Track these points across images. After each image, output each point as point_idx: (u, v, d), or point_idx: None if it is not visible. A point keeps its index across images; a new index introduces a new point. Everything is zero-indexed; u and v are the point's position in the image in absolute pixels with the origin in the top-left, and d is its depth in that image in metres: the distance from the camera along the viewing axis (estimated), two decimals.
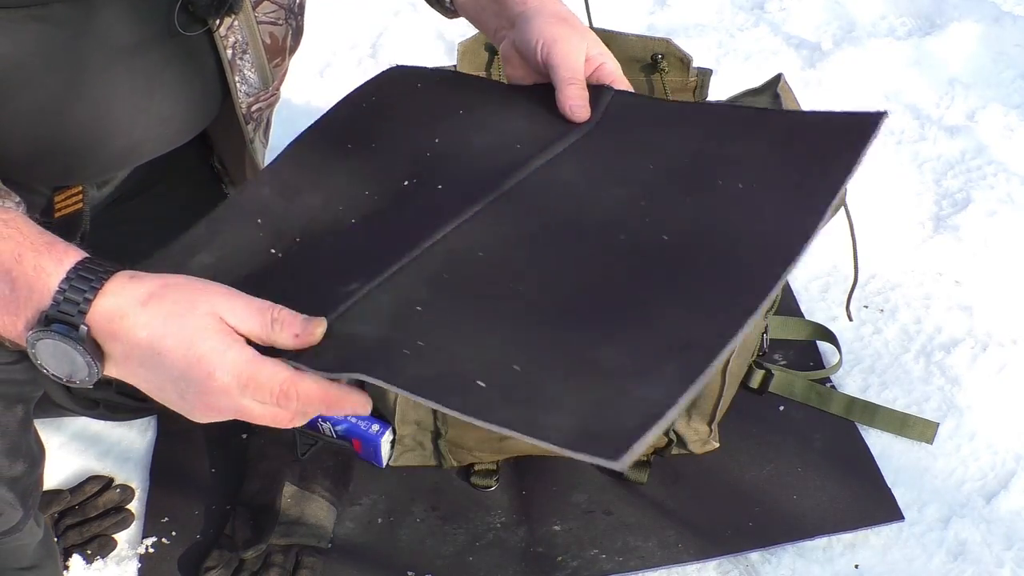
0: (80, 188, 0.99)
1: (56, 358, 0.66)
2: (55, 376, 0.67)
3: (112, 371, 0.67)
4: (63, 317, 0.65)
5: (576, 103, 0.86)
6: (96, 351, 0.66)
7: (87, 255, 0.67)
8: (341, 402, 0.67)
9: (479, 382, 0.62)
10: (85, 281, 0.65)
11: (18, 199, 0.72)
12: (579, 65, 0.87)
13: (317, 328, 0.66)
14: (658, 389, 0.60)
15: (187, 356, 0.64)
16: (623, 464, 0.56)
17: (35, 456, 0.91)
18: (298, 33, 1.06)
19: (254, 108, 1.03)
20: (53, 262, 0.66)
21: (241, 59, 0.99)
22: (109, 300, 0.65)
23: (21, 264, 0.66)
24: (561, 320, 0.69)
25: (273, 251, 0.77)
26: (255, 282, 0.71)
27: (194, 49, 0.95)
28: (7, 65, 0.82)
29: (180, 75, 0.94)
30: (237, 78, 0.99)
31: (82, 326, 0.65)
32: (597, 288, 0.72)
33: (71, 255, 0.67)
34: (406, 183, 0.83)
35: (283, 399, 0.65)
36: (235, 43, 0.97)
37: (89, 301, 0.65)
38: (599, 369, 0.64)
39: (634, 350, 0.65)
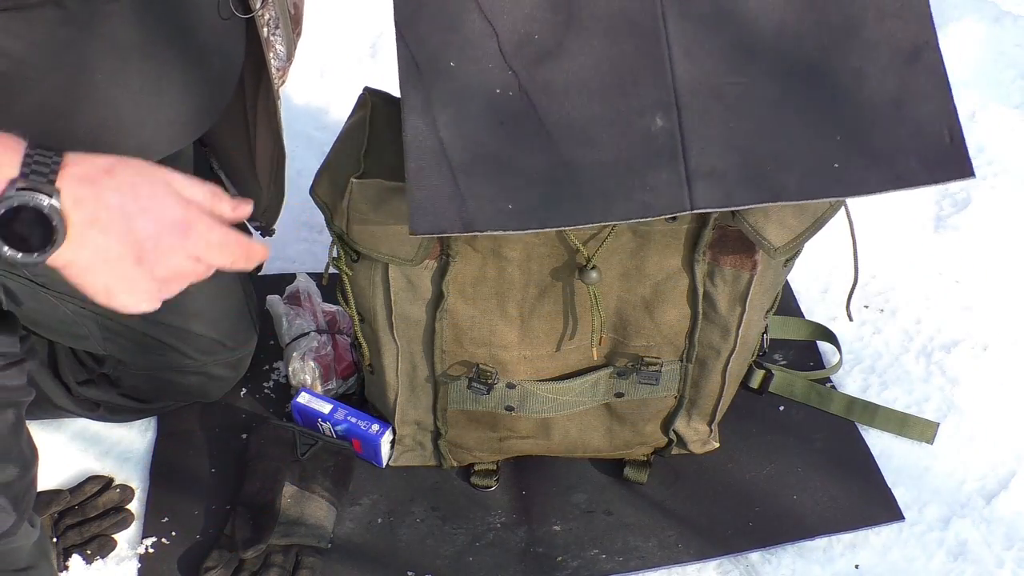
0: None
1: (24, 224, 0.68)
2: (12, 249, 0.69)
3: (67, 245, 0.69)
4: (36, 184, 0.67)
5: None
6: (63, 216, 0.69)
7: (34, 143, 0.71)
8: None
9: (835, 165, 0.83)
10: (46, 154, 0.69)
11: None
12: None
13: (247, 207, 0.79)
14: (932, 105, 0.88)
15: (160, 218, 0.72)
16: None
17: (27, 460, 0.90)
18: None
19: (283, 80, 1.04)
20: (13, 141, 0.69)
21: (273, 35, 0.99)
22: (74, 169, 0.69)
23: None
24: (807, 82, 0.86)
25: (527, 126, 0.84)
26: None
27: (205, 45, 0.95)
28: (16, 64, 0.81)
29: (188, 73, 0.94)
30: (271, 54, 0.99)
31: (55, 190, 0.68)
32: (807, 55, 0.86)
33: (20, 139, 0.70)
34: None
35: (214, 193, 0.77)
36: (269, 19, 0.97)
37: (55, 170, 0.68)
38: (879, 112, 0.85)
39: (880, 80, 0.86)
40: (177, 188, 0.74)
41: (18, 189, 0.67)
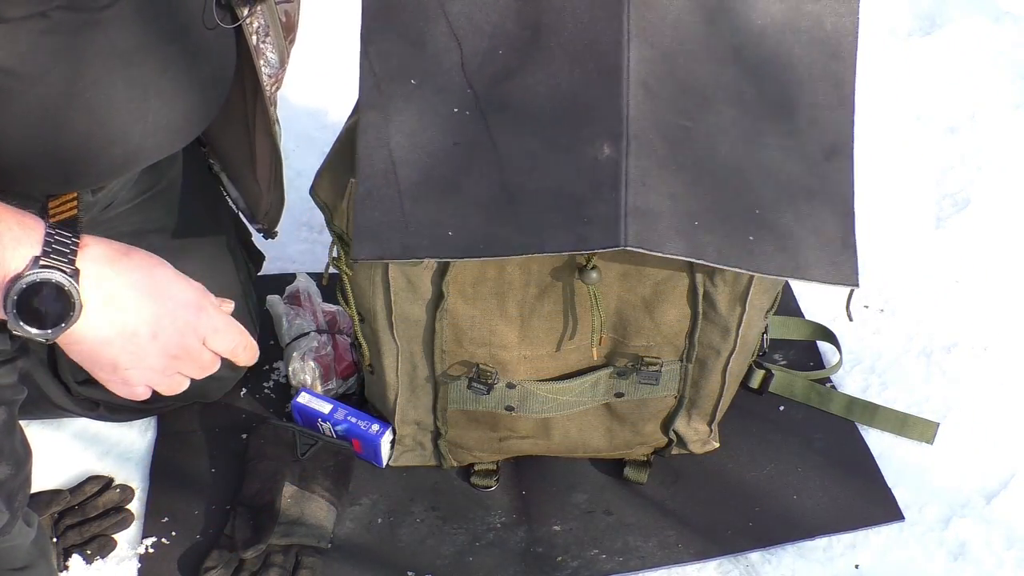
0: (75, 194, 0.99)
1: (44, 300, 0.71)
2: (27, 325, 0.72)
3: (82, 322, 0.73)
4: (56, 263, 0.71)
5: None
6: (80, 296, 0.73)
7: (53, 223, 0.75)
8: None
9: (750, 237, 0.86)
10: (65, 235, 0.72)
11: None
12: None
13: (229, 306, 0.85)
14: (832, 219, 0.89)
15: (179, 297, 0.78)
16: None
17: (20, 458, 0.90)
18: (298, 5, 1.07)
19: (275, 88, 1.04)
20: (32, 220, 0.73)
21: (263, 43, 0.99)
22: (94, 250, 0.73)
23: (2, 221, 0.71)
24: (749, 161, 0.88)
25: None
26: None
27: (193, 51, 0.95)
28: (3, 76, 0.81)
29: (176, 80, 0.94)
30: (261, 61, 1.00)
31: (75, 268, 0.72)
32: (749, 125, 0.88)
33: (39, 218, 0.73)
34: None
35: (240, 351, 0.85)
36: (257, 28, 0.98)
37: (74, 250, 0.72)
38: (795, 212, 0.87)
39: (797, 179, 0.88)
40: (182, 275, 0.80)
41: (40, 266, 0.70)
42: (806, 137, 0.88)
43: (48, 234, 0.72)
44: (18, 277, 0.71)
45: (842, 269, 0.87)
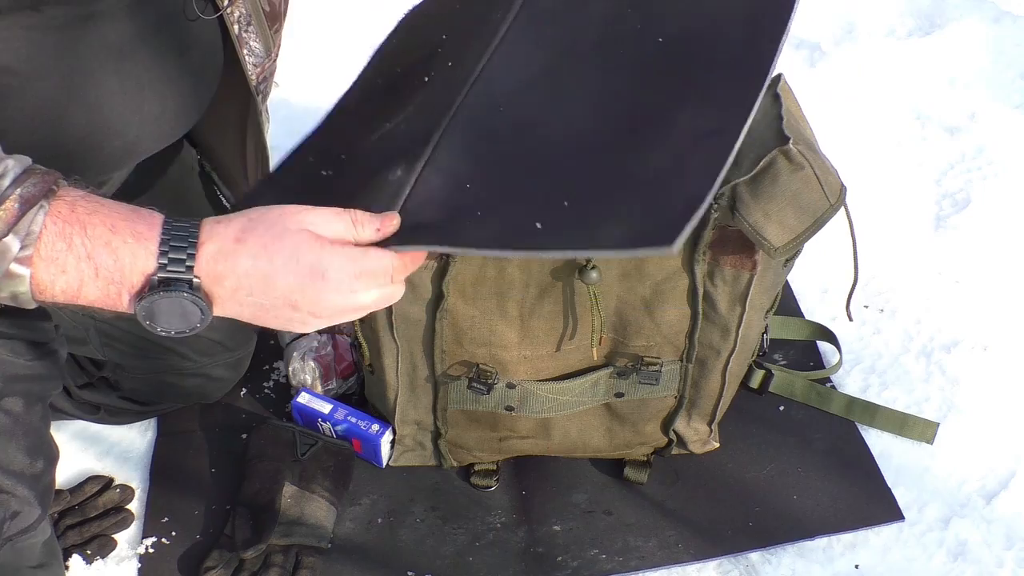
0: None
1: (170, 314, 0.71)
2: (164, 330, 0.72)
3: (220, 310, 0.73)
4: (175, 275, 0.70)
5: None
6: (207, 297, 0.71)
7: (162, 213, 0.72)
8: (421, 255, 0.79)
9: (537, 224, 0.72)
10: (181, 238, 0.70)
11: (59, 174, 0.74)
12: None
13: (393, 220, 0.76)
14: (693, 181, 0.70)
15: (297, 269, 0.71)
16: (676, 248, 0.65)
17: (52, 455, 0.91)
18: None
19: (260, 78, 1.04)
20: (145, 226, 0.71)
21: (246, 31, 0.99)
22: (208, 248, 0.71)
23: (117, 233, 0.70)
24: (592, 147, 0.79)
25: (324, 173, 0.84)
26: (316, 201, 0.76)
27: (182, 42, 0.95)
28: (1, 71, 0.81)
29: (168, 70, 0.94)
30: (245, 51, 1.00)
31: (194, 279, 0.70)
32: (615, 106, 0.81)
33: (154, 215, 0.72)
34: (425, 79, 0.89)
35: (397, 274, 0.76)
36: (239, 17, 0.98)
37: (192, 256, 0.70)
38: (636, 179, 0.74)
39: (662, 153, 0.75)
40: (312, 228, 0.73)
41: (159, 280, 0.70)
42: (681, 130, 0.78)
43: (163, 240, 0.70)
44: (140, 295, 0.70)
45: (651, 235, 0.69)
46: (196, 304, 0.71)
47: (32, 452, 0.86)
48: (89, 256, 0.69)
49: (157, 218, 0.72)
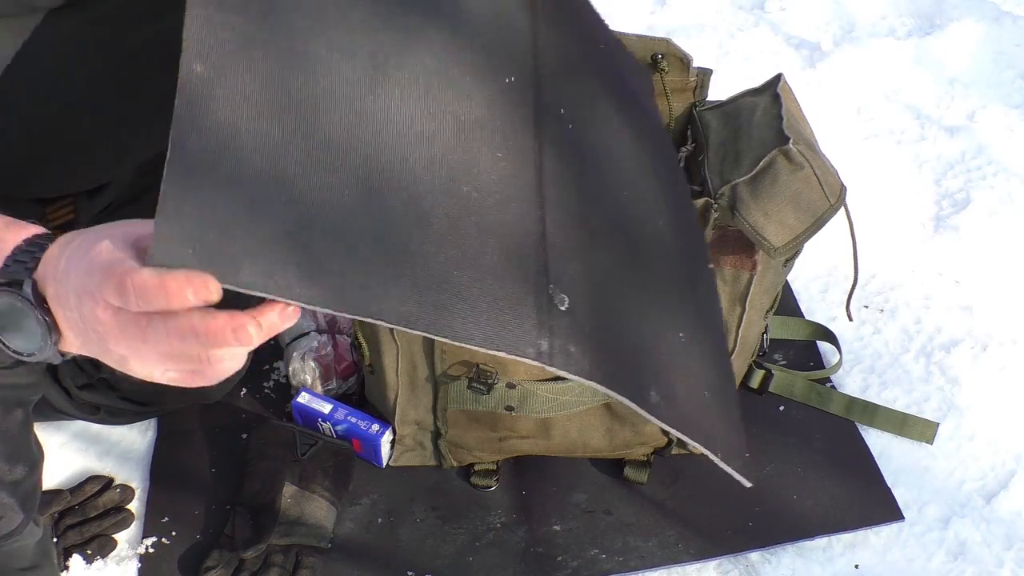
0: (71, 199, 0.99)
1: (10, 323, 0.64)
2: (13, 349, 0.65)
3: (62, 328, 0.64)
4: (13, 277, 0.63)
5: None
6: (47, 310, 0.63)
7: (48, 232, 0.66)
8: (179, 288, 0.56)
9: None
10: (37, 246, 0.65)
11: None
12: None
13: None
14: None
15: (83, 259, 0.61)
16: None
17: (35, 459, 0.91)
18: None
19: None
20: (12, 236, 0.65)
21: None
22: (49, 252, 0.64)
23: None
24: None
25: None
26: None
27: (175, 47, 0.95)
28: None
29: (163, 76, 0.94)
30: None
31: (27, 281, 0.63)
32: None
33: (29, 229, 0.66)
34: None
35: (120, 290, 0.57)
36: None
37: (36, 259, 0.64)
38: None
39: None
40: (128, 230, 0.64)
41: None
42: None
43: (17, 248, 0.64)
44: None
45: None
46: (27, 307, 0.63)
47: (10, 458, 0.86)
48: None
49: (30, 230, 0.66)
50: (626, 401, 0.67)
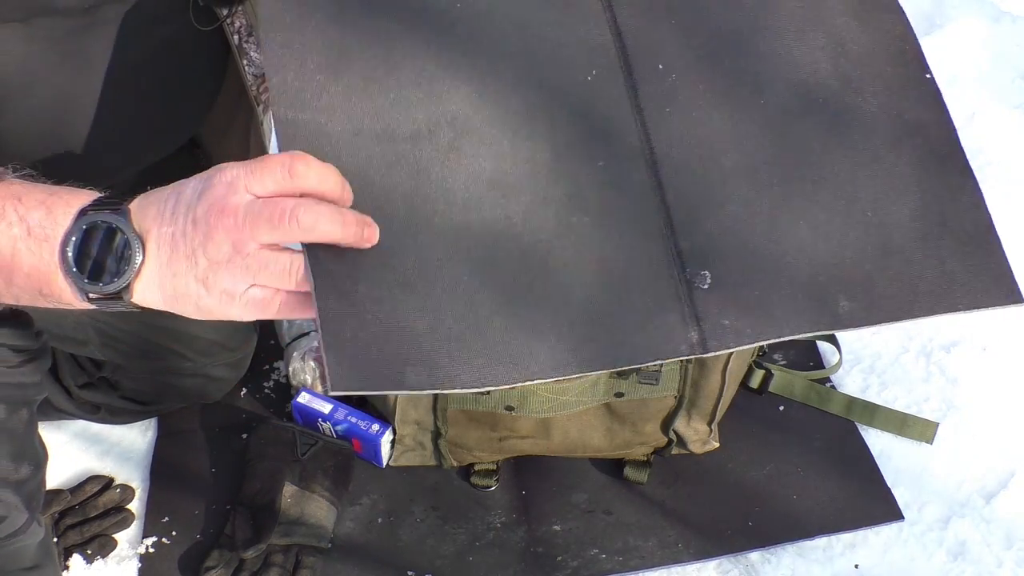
0: None
1: (101, 249, 0.65)
2: (88, 284, 0.66)
3: (149, 250, 0.66)
4: (105, 204, 0.66)
5: None
6: (139, 234, 0.66)
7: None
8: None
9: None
10: (118, 194, 0.68)
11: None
12: None
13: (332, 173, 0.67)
14: None
15: (200, 176, 0.66)
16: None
17: (39, 459, 0.91)
18: None
19: (261, 89, 1.04)
20: (85, 194, 0.68)
21: (247, 42, 0.99)
22: (138, 200, 0.67)
23: (54, 195, 0.68)
24: None
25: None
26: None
27: (182, 52, 0.95)
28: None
29: (168, 81, 0.94)
30: (244, 61, 1.00)
31: (122, 207, 0.66)
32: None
33: (96, 193, 0.68)
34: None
35: (295, 168, 0.64)
36: (240, 27, 0.97)
37: (119, 201, 0.67)
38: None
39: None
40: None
41: (87, 215, 0.66)
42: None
43: (100, 198, 0.67)
44: (70, 233, 0.66)
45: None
46: (122, 230, 0.65)
47: (16, 457, 0.86)
48: (22, 219, 0.66)
49: (95, 193, 0.68)
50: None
